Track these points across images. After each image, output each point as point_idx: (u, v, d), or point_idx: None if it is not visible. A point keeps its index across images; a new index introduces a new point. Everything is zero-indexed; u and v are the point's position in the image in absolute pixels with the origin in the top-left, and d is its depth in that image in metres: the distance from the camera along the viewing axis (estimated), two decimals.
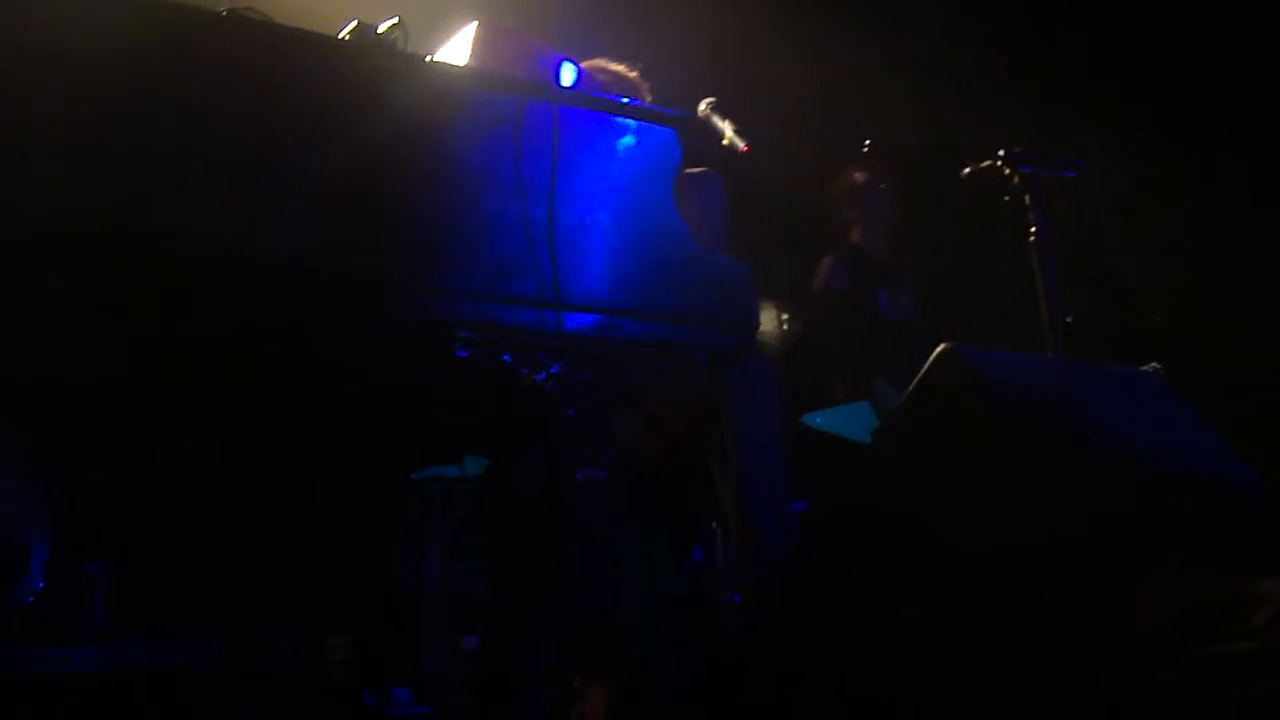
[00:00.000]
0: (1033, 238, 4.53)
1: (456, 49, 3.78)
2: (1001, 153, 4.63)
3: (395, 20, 3.37)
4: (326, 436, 3.66)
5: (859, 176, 6.49)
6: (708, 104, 4.04)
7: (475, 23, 3.76)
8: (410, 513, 4.53)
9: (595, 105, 3.66)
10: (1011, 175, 4.62)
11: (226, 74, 3.04)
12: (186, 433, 3.60)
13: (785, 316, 5.89)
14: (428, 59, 3.49)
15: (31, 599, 3.70)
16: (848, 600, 3.62)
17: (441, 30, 3.91)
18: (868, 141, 4.91)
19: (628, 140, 3.65)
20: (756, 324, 3.90)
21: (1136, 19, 6.92)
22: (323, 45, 3.27)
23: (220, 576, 3.80)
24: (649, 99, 4.54)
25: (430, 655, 4.42)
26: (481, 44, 3.71)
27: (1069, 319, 4.31)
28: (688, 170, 3.95)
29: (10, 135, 2.81)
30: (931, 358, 3.63)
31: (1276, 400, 5.82)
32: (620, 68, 4.61)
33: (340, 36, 3.36)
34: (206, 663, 3.73)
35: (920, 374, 3.64)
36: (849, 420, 5.51)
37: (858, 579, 3.64)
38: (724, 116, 3.99)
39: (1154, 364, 4.31)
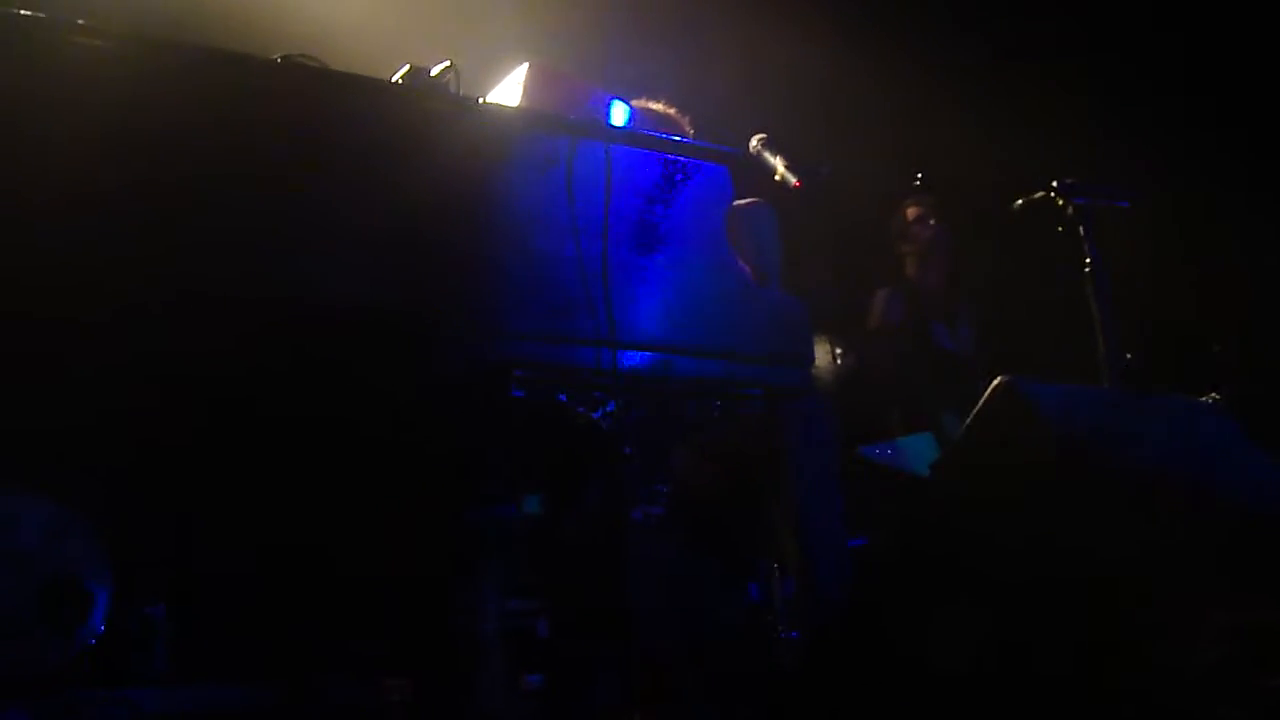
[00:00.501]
0: (1088, 269, 4.51)
1: (508, 90, 3.80)
2: (1055, 184, 4.62)
3: (447, 64, 3.40)
4: (385, 478, 3.67)
5: (913, 211, 6.49)
6: (759, 140, 4.05)
7: (526, 64, 3.79)
8: (468, 552, 4.53)
9: (647, 144, 3.67)
10: (1065, 206, 4.60)
11: (283, 120, 3.07)
12: (247, 477, 3.62)
13: (839, 351, 5.88)
14: (480, 101, 3.52)
15: (94, 642, 3.73)
16: (906, 638, 3.61)
17: (492, 72, 3.94)
18: (919, 175, 4.92)
19: (680, 177, 3.66)
20: (812, 359, 3.89)
21: (1198, 48, 6.90)
22: (376, 89, 3.29)
23: (280, 619, 3.81)
24: (691, 134, 4.56)
25: (489, 695, 4.41)
26: (532, 85, 3.74)
27: (1129, 355, 4.29)
28: (739, 203, 3.96)
29: (74, 183, 2.85)
30: (988, 391, 3.62)
31: None
32: (661, 106, 4.64)
33: (393, 80, 3.39)
34: (266, 706, 3.74)
35: (977, 407, 3.63)
36: (908, 452, 5.49)
37: (915, 616, 3.62)
38: (776, 152, 4.00)
39: (1213, 394, 4.29)
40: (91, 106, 2.89)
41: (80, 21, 2.93)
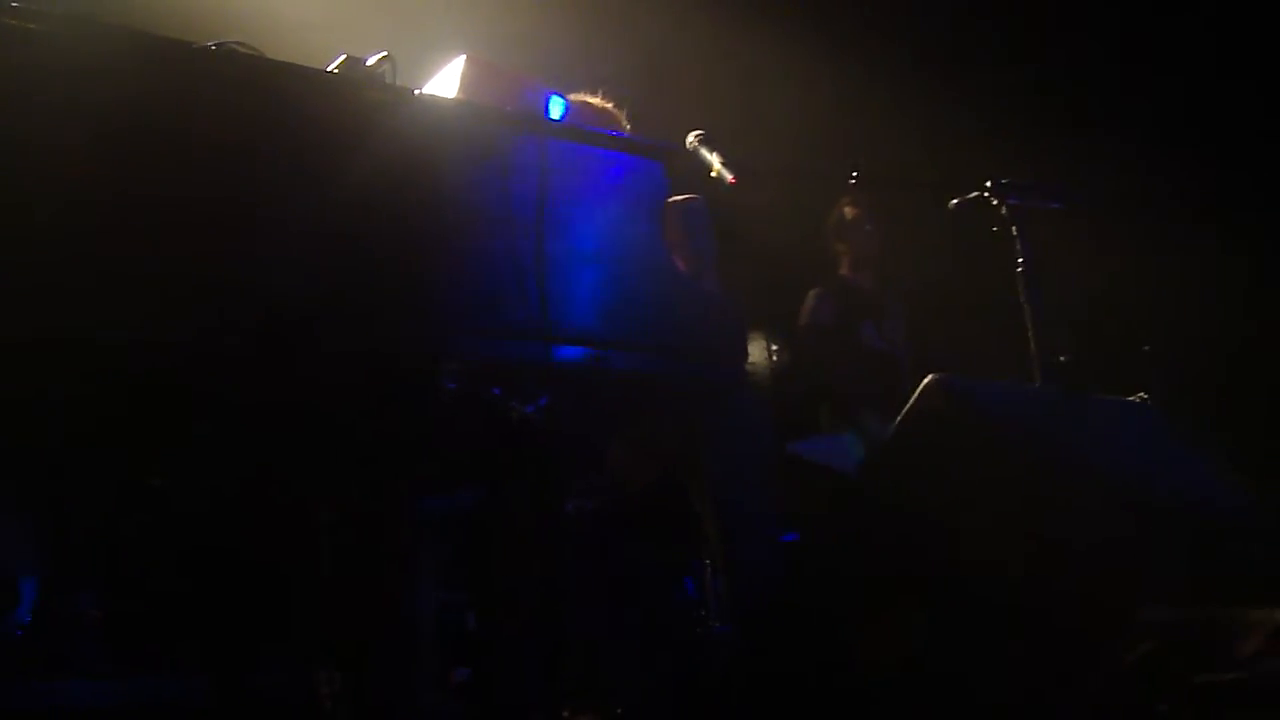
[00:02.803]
0: (1020, 269, 4.54)
1: (444, 82, 3.79)
2: (988, 184, 4.66)
3: (384, 54, 3.38)
4: (317, 469, 3.66)
5: (846, 209, 6.52)
6: (696, 136, 4.06)
7: (463, 56, 3.78)
8: (400, 544, 4.52)
9: (583, 138, 3.67)
10: (999, 206, 4.64)
11: (216, 108, 3.05)
12: (179, 465, 3.60)
13: (774, 348, 5.91)
14: (417, 92, 3.51)
15: (20, 633, 3.70)
16: (835, 634, 3.63)
17: (428, 65, 3.93)
18: (855, 173, 4.94)
19: (615, 172, 3.66)
20: (745, 355, 3.91)
21: (1126, 47, 6.97)
22: (312, 79, 3.27)
23: (210, 610, 3.79)
24: (627, 129, 4.56)
25: (419, 688, 4.40)
26: (469, 78, 3.73)
27: (1061, 356, 4.32)
28: (674, 199, 3.97)
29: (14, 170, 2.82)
30: (919, 388, 3.65)
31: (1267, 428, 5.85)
32: (598, 100, 4.64)
33: (329, 70, 3.38)
34: (196, 699, 3.71)
35: (908, 405, 3.66)
36: (835, 450, 5.52)
37: (846, 610, 3.64)
38: (712, 148, 4.01)
39: (1141, 394, 4.33)
40: (12, 91, 2.85)
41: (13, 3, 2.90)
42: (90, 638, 3.83)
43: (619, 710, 4.02)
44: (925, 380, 3.65)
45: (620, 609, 4.36)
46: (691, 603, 4.63)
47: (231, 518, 3.71)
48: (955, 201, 4.84)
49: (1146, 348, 5.78)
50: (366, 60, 3.39)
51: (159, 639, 3.86)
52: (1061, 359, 4.40)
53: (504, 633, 3.80)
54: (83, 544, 3.78)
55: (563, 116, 3.82)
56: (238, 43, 3.20)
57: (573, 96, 4.40)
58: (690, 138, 4.06)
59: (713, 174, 3.92)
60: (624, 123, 4.58)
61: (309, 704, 3.87)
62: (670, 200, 3.85)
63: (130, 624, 3.88)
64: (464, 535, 4.51)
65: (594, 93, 4.63)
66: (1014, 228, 4.63)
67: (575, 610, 3.90)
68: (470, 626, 4.55)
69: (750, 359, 4.03)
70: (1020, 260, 4.58)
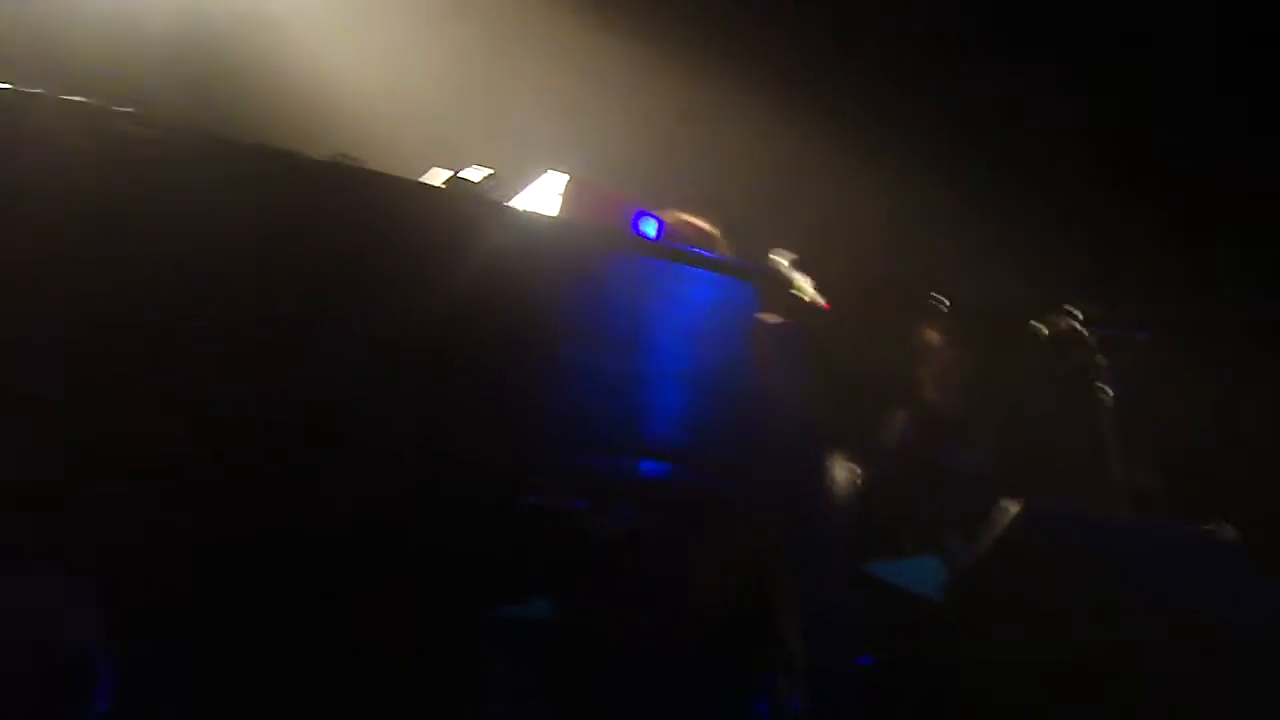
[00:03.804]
0: (1104, 395, 4.54)
1: (543, 199, 3.85)
2: (1077, 314, 4.67)
3: (490, 171, 3.45)
4: (393, 575, 3.68)
5: (934, 334, 6.51)
6: (789, 259, 4.09)
7: (565, 175, 3.84)
8: (476, 651, 4.52)
9: (676, 258, 3.71)
10: (1086, 336, 4.64)
11: (324, 218, 3.12)
12: (245, 568, 3.63)
13: (858, 470, 5.89)
14: (515, 209, 3.57)
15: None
16: None
17: (518, 177, 3.99)
18: (946, 300, 4.95)
19: (707, 292, 3.70)
20: (824, 480, 3.91)
21: (1231, 172, 6.96)
22: (417, 193, 3.34)
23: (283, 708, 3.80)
24: (727, 248, 4.60)
25: None
26: (570, 196, 3.79)
27: (1147, 487, 4.30)
28: (765, 320, 4.00)
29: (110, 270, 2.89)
30: (1004, 516, 3.64)
31: None
32: (700, 222, 4.68)
33: (433, 184, 3.45)
34: None
35: (992, 531, 3.65)
36: (916, 573, 5.48)
37: None
38: (805, 272, 4.04)
39: (1228, 526, 4.30)
40: (132, 196, 2.93)
41: (125, 109, 2.98)
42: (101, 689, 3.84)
43: None
44: (1010, 509, 3.65)
45: None
46: None
47: (318, 620, 3.74)
48: (1044, 330, 4.86)
49: (1227, 479, 5.75)
50: (471, 175, 3.46)
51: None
52: (1145, 489, 4.38)
53: None
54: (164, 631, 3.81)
55: (659, 235, 3.87)
56: (343, 155, 3.28)
57: (670, 215, 4.44)
58: (782, 260, 4.10)
59: (805, 299, 3.94)
60: (723, 243, 4.62)
61: None
62: (762, 321, 3.88)
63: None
64: (540, 648, 4.52)
65: (690, 210, 4.67)
66: (1099, 356, 4.63)
67: None
68: None
69: (834, 480, 4.03)
70: (1106, 389, 4.58)
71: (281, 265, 3.05)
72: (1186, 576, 3.78)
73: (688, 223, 4.61)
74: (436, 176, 3.51)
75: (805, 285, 3.93)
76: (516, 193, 3.89)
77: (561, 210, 3.76)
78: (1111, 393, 4.59)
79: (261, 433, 3.07)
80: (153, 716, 3.73)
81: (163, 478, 3.13)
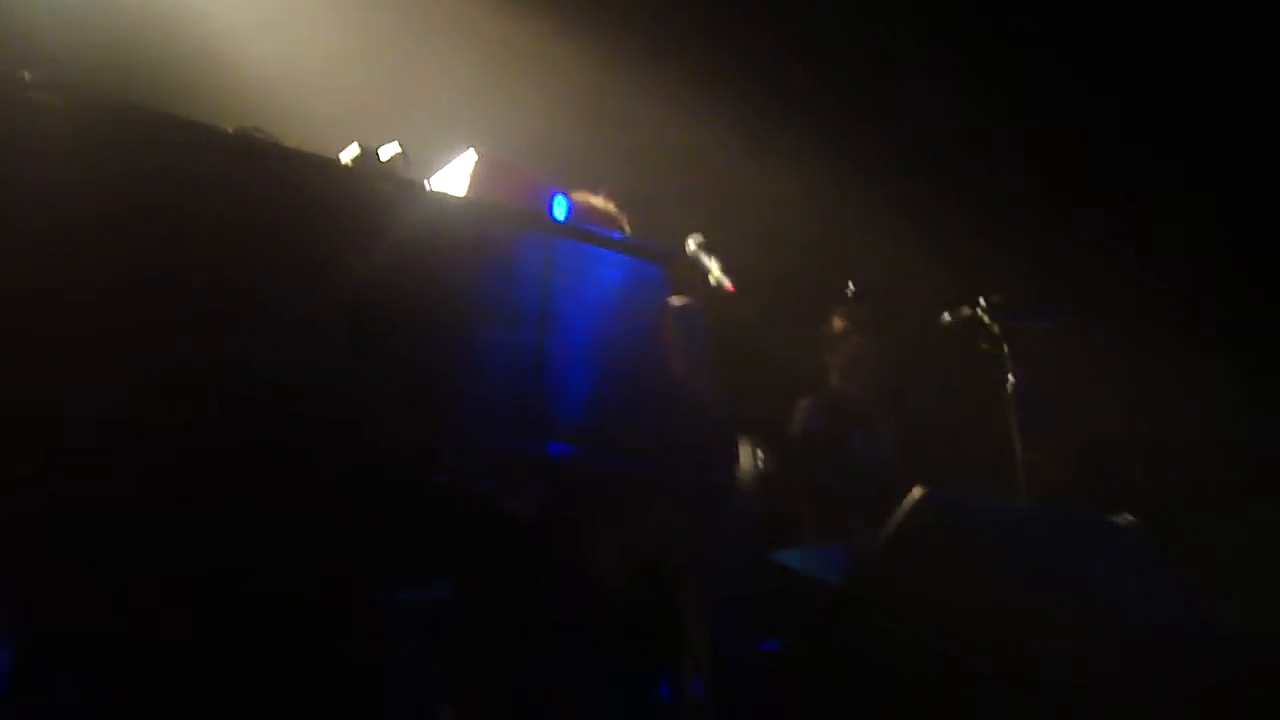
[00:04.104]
0: (1009, 386, 4.58)
1: (452, 176, 3.83)
2: (981, 302, 4.71)
3: (397, 148, 3.43)
4: (297, 557, 3.65)
5: (840, 321, 6.55)
6: (697, 241, 4.09)
7: (473, 153, 3.82)
8: (380, 634, 4.50)
9: (588, 239, 3.70)
10: (991, 324, 4.69)
11: (229, 191, 3.08)
12: (157, 548, 3.58)
13: (761, 455, 5.91)
14: (427, 187, 3.55)
15: None
16: None
17: (434, 156, 3.97)
18: (850, 285, 4.98)
19: (615, 274, 3.69)
20: (735, 460, 3.92)
21: (1132, 162, 7.05)
22: (326, 168, 3.31)
23: (180, 695, 3.76)
24: (628, 230, 4.60)
25: None
26: (480, 174, 3.77)
27: (1050, 474, 4.36)
28: (673, 303, 4.00)
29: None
30: (907, 502, 3.66)
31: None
32: (601, 200, 4.67)
33: (342, 159, 3.42)
34: None
35: (896, 517, 3.67)
36: (820, 560, 5.51)
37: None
38: (711, 255, 4.04)
39: (1127, 515, 4.36)
40: (35, 164, 2.88)
41: (29, 76, 2.92)
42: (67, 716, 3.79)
43: None
44: (913, 493, 3.67)
45: (597, 709, 4.34)
46: (666, 706, 4.62)
47: (214, 606, 3.70)
48: (948, 317, 4.90)
49: (1136, 470, 5.83)
50: (380, 151, 3.43)
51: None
52: (1048, 476, 4.43)
53: None
54: (62, 621, 3.76)
55: (567, 215, 3.86)
56: (254, 128, 3.24)
57: (576, 195, 4.43)
58: (690, 243, 4.10)
59: (711, 280, 3.94)
60: (624, 224, 4.62)
61: None
62: (669, 304, 3.88)
63: (105, 705, 3.85)
64: (441, 629, 4.51)
65: (596, 192, 4.67)
66: (1005, 345, 4.68)
67: (551, 708, 3.88)
68: None
69: (739, 465, 4.04)
70: (1010, 377, 4.62)
71: (185, 238, 3.01)
72: (1090, 563, 3.82)
73: (593, 204, 4.60)
74: (350, 154, 3.48)
75: (713, 267, 3.93)
76: (428, 171, 3.86)
77: (472, 189, 3.74)
78: (1015, 381, 4.63)
79: (161, 411, 3.02)
80: (48, 698, 3.69)
81: (67, 454, 3.09)
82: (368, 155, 3.42)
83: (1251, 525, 6.08)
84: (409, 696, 4.46)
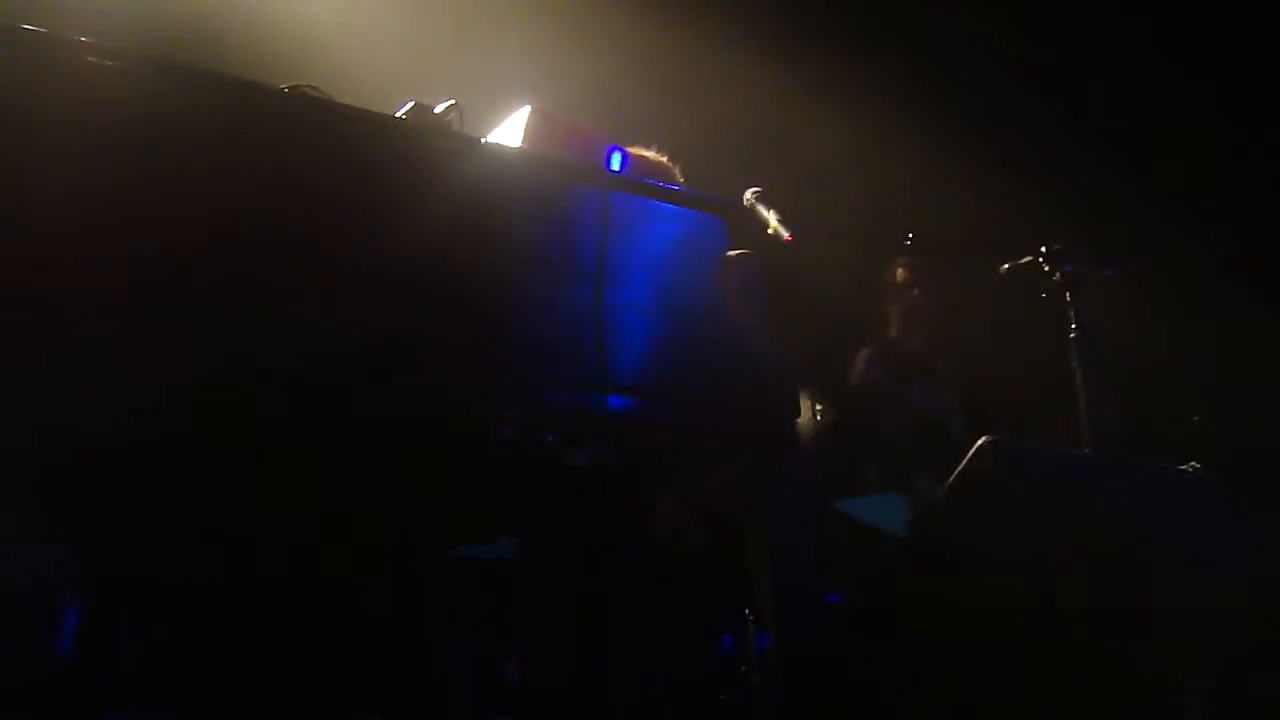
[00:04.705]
0: (1072, 334, 4.54)
1: (508, 132, 3.83)
2: (1042, 250, 4.67)
3: (452, 102, 3.42)
4: (365, 511, 3.67)
5: (900, 271, 6.52)
6: (753, 192, 4.06)
7: (528, 108, 3.81)
8: (444, 589, 4.52)
9: (645, 191, 3.69)
10: (1051, 272, 4.65)
11: (285, 150, 3.08)
12: (224, 501, 3.61)
13: (819, 407, 5.90)
14: (483, 141, 3.54)
15: (60, 663, 3.70)
16: (879, 696, 3.61)
17: (493, 113, 3.96)
18: (909, 235, 4.95)
19: (674, 226, 3.68)
20: (797, 411, 3.91)
21: (1191, 110, 6.97)
22: (381, 124, 3.31)
23: (249, 647, 3.79)
24: (681, 183, 4.58)
25: None
26: (534, 129, 3.76)
27: (1112, 424, 4.32)
28: (731, 254, 3.98)
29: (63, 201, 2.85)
30: (972, 450, 3.64)
31: None
32: (654, 153, 4.66)
33: (397, 116, 3.41)
34: None
35: (960, 467, 3.65)
36: (884, 511, 5.49)
37: (890, 675, 3.63)
38: (769, 206, 4.01)
39: (1192, 463, 4.31)
40: (93, 126, 2.88)
41: (85, 39, 2.93)
42: (129, 670, 3.83)
43: None
44: (978, 442, 3.65)
45: (660, 662, 4.36)
46: (728, 659, 4.62)
47: (275, 558, 3.72)
48: (1008, 266, 4.86)
49: (1196, 418, 5.77)
50: (435, 108, 3.43)
51: (198, 675, 3.86)
52: (1111, 426, 4.39)
53: (543, 683, 3.80)
54: (126, 575, 3.79)
55: (622, 169, 3.84)
56: (309, 86, 3.24)
57: (631, 149, 4.42)
58: (748, 194, 4.07)
59: (769, 231, 3.92)
60: (678, 176, 4.61)
61: None
62: (728, 255, 3.87)
63: (170, 658, 3.89)
64: (506, 584, 4.52)
65: (650, 145, 4.65)
66: (1067, 294, 4.64)
67: (616, 662, 3.89)
68: (510, 676, 4.55)
69: (801, 417, 4.02)
70: (1072, 326, 4.58)
71: (244, 196, 3.01)
72: (1159, 509, 3.79)
73: (647, 157, 4.59)
74: (406, 111, 3.48)
75: (770, 218, 3.90)
76: (483, 127, 3.86)
77: (527, 143, 3.73)
78: (1077, 329, 4.59)
79: (224, 367, 3.04)
80: (115, 658, 3.73)
81: (124, 413, 3.11)
82: (423, 112, 3.41)
83: None
84: (474, 651, 4.49)
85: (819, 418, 5.84)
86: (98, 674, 3.72)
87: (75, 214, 2.83)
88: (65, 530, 3.59)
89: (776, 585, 4.03)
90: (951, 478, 3.70)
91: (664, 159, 4.67)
